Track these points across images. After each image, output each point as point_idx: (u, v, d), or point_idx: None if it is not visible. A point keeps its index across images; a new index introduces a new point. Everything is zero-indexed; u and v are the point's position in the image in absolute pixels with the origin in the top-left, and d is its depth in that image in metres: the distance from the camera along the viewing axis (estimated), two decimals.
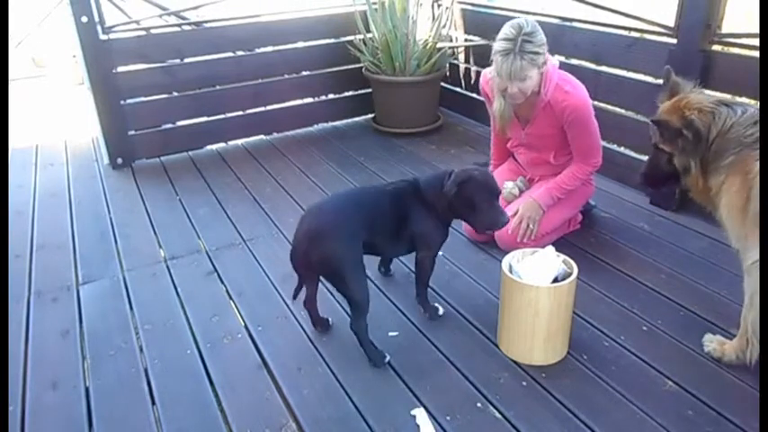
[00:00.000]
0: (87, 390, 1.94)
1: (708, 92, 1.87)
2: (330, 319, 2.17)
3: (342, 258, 1.89)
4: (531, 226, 2.50)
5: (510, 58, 2.15)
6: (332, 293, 2.29)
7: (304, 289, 2.09)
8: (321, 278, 2.05)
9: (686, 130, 1.79)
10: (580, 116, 2.39)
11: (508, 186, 2.66)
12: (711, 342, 1.98)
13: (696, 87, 1.88)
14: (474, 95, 4.22)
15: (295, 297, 2.09)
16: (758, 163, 1.64)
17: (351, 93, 4.36)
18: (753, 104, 1.79)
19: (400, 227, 2.07)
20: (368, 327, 1.97)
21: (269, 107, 4.12)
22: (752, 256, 1.70)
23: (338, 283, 1.95)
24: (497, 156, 2.90)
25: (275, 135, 4.20)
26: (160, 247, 2.80)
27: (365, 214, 2.00)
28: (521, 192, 2.67)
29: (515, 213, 2.51)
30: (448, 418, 1.76)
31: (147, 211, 3.16)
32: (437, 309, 2.21)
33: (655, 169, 1.97)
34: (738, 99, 1.79)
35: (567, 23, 3.40)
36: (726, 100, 1.81)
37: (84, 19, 3.36)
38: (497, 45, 2.22)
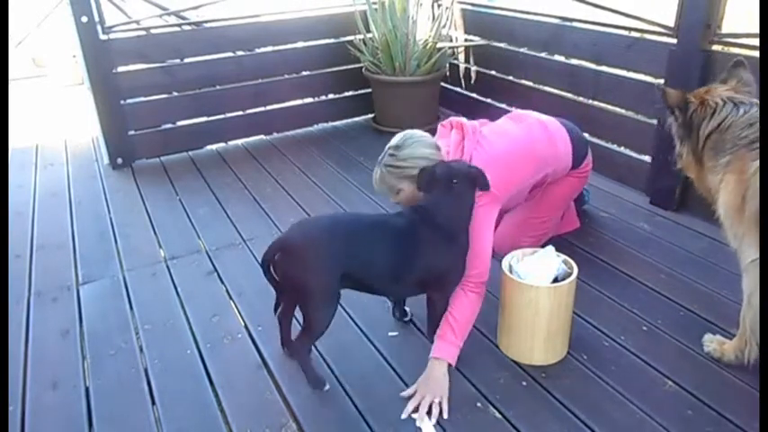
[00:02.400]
0: (87, 390, 1.94)
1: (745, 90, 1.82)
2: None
3: (308, 281, 1.75)
4: (437, 402, 1.80)
5: (375, 169, 2.10)
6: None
7: None
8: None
9: (677, 111, 1.85)
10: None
11: None
12: (711, 342, 1.98)
13: (742, 85, 1.82)
14: (474, 95, 4.22)
15: (276, 310, 1.98)
16: (755, 163, 1.65)
17: (351, 93, 4.36)
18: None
19: (407, 268, 1.84)
20: (311, 350, 1.91)
21: (269, 107, 4.12)
22: (749, 255, 1.71)
23: (301, 303, 1.84)
24: None
25: (275, 135, 4.20)
26: (160, 247, 2.81)
27: (353, 245, 1.80)
28: None
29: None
30: (448, 418, 1.76)
31: (147, 211, 3.16)
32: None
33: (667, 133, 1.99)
34: (753, 100, 1.78)
35: (567, 23, 3.39)
36: (738, 99, 1.77)
37: (84, 19, 3.36)
38: None
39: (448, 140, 2.16)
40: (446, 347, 1.87)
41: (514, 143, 2.25)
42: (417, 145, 2.06)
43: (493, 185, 1.94)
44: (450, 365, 1.86)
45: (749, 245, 1.70)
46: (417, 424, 1.73)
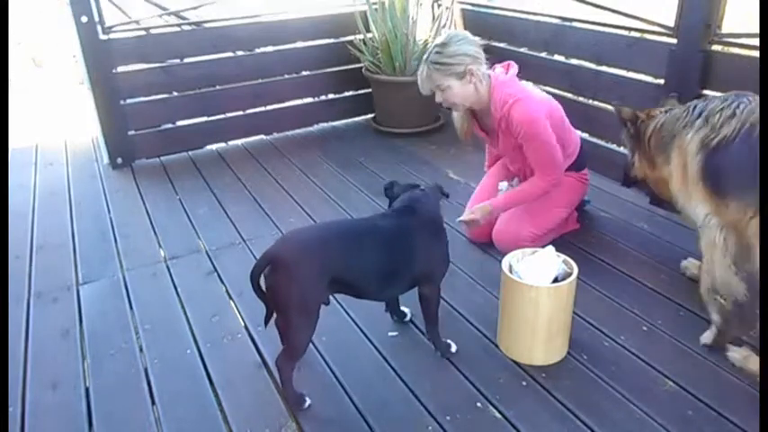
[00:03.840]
0: (87, 390, 1.94)
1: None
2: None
3: (291, 298, 1.69)
4: (473, 224, 2.55)
5: (419, 70, 2.27)
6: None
7: None
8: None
9: (629, 125, 2.23)
10: (530, 130, 2.34)
11: (503, 187, 2.65)
12: (690, 266, 2.34)
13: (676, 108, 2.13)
14: None
15: (267, 323, 1.81)
16: (688, 136, 1.95)
17: (351, 93, 4.36)
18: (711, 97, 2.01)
19: (398, 265, 1.84)
20: (294, 369, 1.81)
21: (269, 107, 4.12)
22: (700, 212, 1.93)
23: (281, 318, 1.74)
24: (490, 159, 2.94)
25: (275, 135, 4.20)
26: (160, 247, 2.81)
27: (346, 253, 1.76)
28: None
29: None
30: (448, 418, 1.76)
31: (147, 211, 3.16)
32: (449, 345, 2.03)
33: (625, 168, 2.40)
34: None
35: (568, 23, 3.39)
36: (675, 105, 2.15)
37: (84, 19, 3.36)
38: None
39: (502, 70, 2.43)
40: (501, 202, 2.49)
41: (546, 98, 2.55)
42: (463, 42, 2.23)
43: (542, 112, 2.34)
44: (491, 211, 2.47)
45: (698, 203, 1.93)
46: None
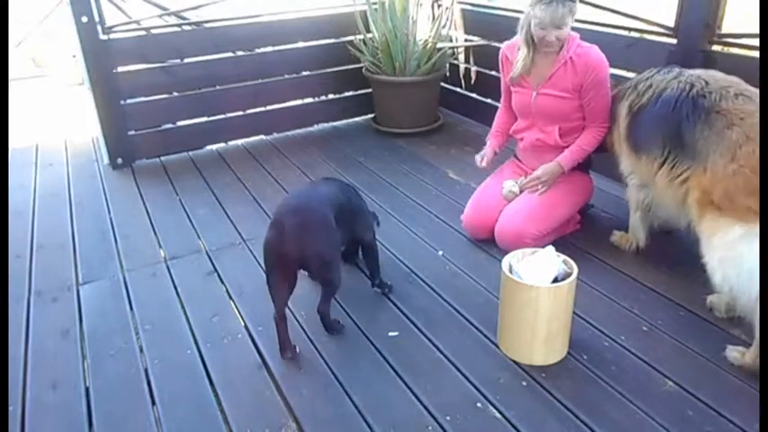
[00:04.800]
0: (87, 390, 1.94)
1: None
2: (298, 347, 2.05)
3: (334, 249, 2.04)
4: (540, 188, 2.59)
5: (553, 6, 2.34)
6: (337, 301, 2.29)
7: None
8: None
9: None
10: (601, 75, 2.47)
11: (507, 185, 2.66)
12: (614, 235, 2.63)
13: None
14: (474, 95, 4.22)
15: (280, 311, 1.99)
16: (622, 103, 2.36)
17: (351, 93, 4.36)
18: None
19: (352, 218, 2.22)
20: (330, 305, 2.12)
21: (269, 107, 4.12)
22: (625, 168, 2.43)
23: (326, 272, 2.04)
24: (501, 124, 2.83)
25: (275, 135, 4.20)
26: (160, 247, 2.81)
27: (336, 208, 2.10)
28: (521, 191, 2.68)
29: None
30: (448, 418, 1.76)
31: (147, 211, 3.16)
32: (388, 285, 2.36)
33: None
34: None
35: None
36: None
37: (84, 19, 3.36)
38: None
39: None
40: (568, 158, 2.57)
41: None
42: None
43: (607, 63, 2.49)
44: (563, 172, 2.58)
45: (624, 159, 2.40)
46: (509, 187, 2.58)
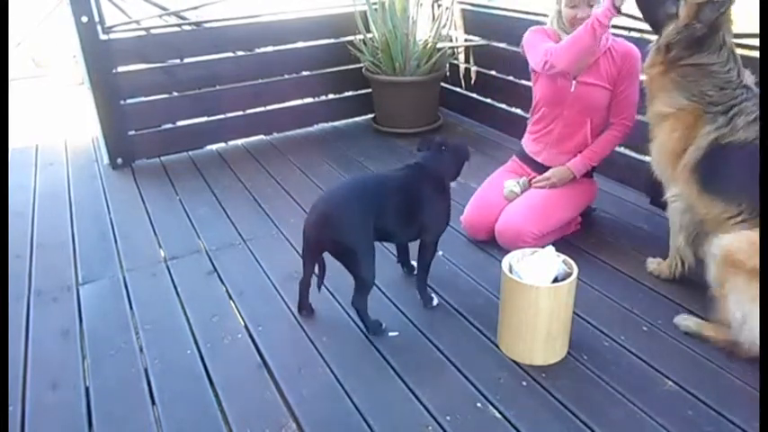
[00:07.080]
0: (87, 390, 1.94)
1: None
2: (312, 305, 2.23)
3: (354, 241, 2.02)
4: (548, 184, 2.62)
5: None
6: (334, 295, 2.29)
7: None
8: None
9: (696, 23, 1.98)
10: (637, 66, 2.49)
11: (509, 185, 2.66)
12: (652, 263, 2.38)
13: None
14: (474, 95, 4.22)
15: (319, 288, 2.19)
16: (707, 129, 1.95)
17: (351, 93, 4.36)
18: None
19: (411, 211, 2.15)
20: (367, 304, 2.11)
21: (269, 107, 4.12)
22: (672, 189, 2.19)
23: (349, 262, 2.06)
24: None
25: (275, 135, 4.20)
26: (160, 247, 2.80)
27: (375, 200, 2.09)
28: (522, 190, 2.68)
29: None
30: (448, 418, 1.76)
31: (147, 211, 3.16)
32: (432, 298, 2.27)
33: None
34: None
35: None
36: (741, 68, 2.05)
37: (84, 19, 3.36)
38: None
39: None
40: (579, 163, 2.58)
41: None
42: None
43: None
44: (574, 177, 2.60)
45: (675, 183, 2.14)
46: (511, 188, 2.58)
